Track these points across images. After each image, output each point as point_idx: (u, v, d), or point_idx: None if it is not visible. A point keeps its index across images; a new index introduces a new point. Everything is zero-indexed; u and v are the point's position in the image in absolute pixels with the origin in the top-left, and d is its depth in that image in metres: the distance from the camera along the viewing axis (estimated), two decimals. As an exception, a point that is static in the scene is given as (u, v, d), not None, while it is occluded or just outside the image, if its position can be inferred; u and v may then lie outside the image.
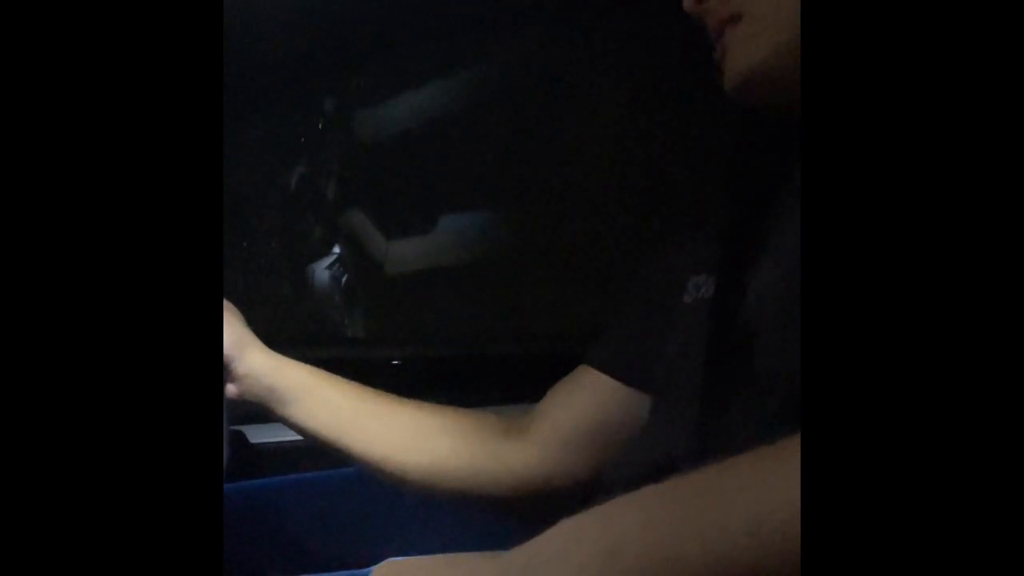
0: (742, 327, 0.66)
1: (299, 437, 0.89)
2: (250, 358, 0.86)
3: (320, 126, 1.17)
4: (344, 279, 1.31)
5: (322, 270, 1.30)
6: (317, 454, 0.90)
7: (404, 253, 1.28)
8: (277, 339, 0.92)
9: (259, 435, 1.08)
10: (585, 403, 0.85)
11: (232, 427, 1.02)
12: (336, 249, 1.31)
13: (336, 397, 0.88)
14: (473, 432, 0.88)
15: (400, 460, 0.87)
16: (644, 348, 0.81)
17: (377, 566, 0.56)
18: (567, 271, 1.27)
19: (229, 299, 0.86)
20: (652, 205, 1.21)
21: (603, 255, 1.26)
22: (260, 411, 0.87)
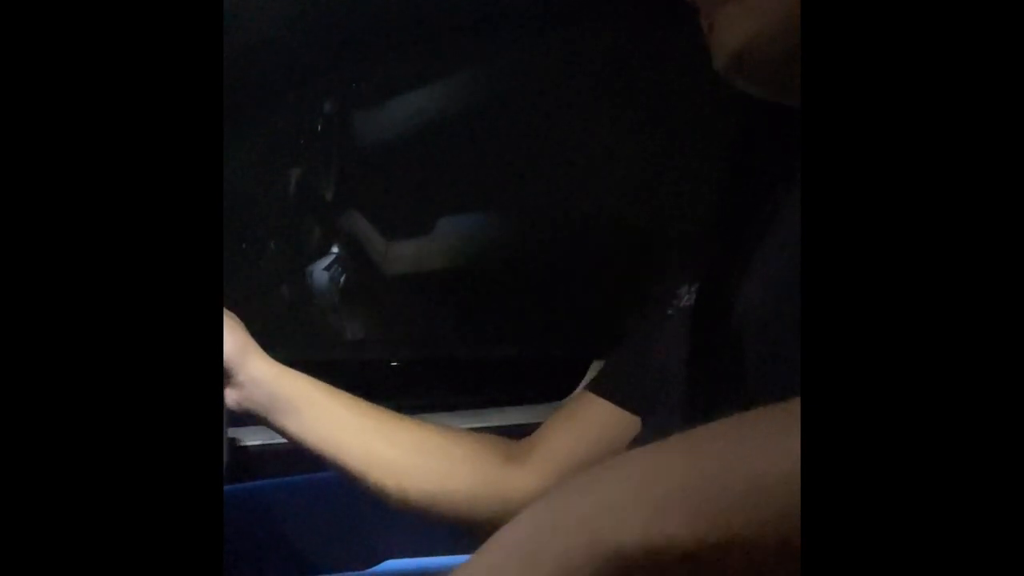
0: (726, 335, 0.67)
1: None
2: (252, 366, 0.86)
3: (319, 127, 1.17)
4: (343, 280, 1.30)
5: (320, 271, 1.30)
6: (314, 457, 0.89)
7: (403, 255, 1.28)
8: (275, 340, 0.92)
9: (254, 437, 1.08)
10: (585, 430, 0.85)
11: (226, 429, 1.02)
12: (335, 250, 1.31)
13: (338, 411, 0.87)
14: (473, 456, 0.87)
15: (398, 479, 0.86)
16: (644, 374, 0.80)
17: None
18: (566, 273, 1.27)
19: (227, 301, 0.86)
20: (651, 207, 1.21)
21: (602, 257, 1.25)
22: (259, 420, 0.87)
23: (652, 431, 0.73)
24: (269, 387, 0.86)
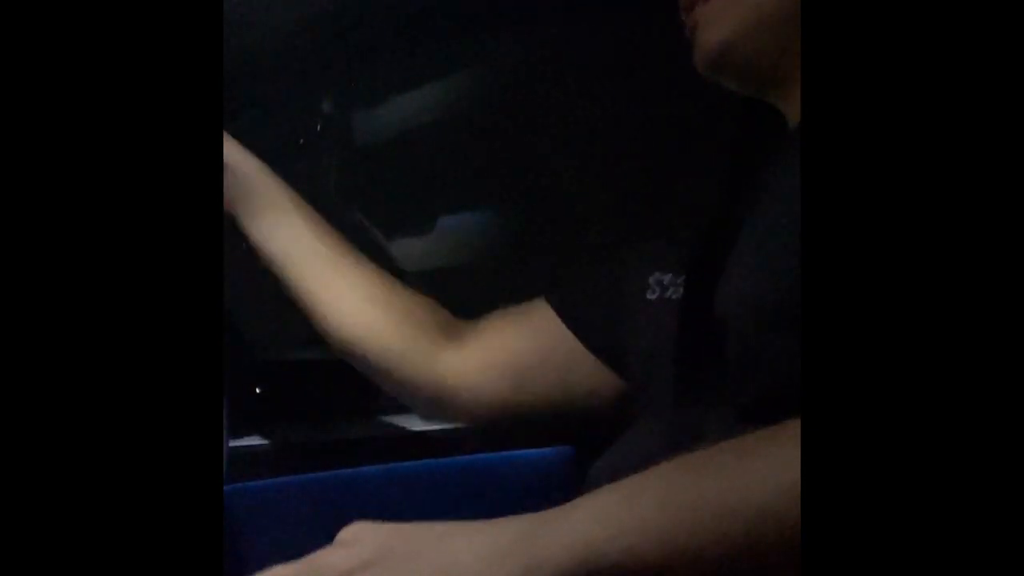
0: (713, 330, 0.67)
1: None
2: (231, 152, 0.84)
3: (319, 127, 1.17)
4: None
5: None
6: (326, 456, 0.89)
7: (403, 254, 1.28)
8: (276, 339, 0.91)
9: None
10: (529, 335, 0.85)
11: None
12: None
13: (302, 228, 0.86)
14: (416, 319, 0.87)
15: (339, 317, 0.86)
16: (602, 314, 0.81)
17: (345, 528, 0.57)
18: (566, 272, 1.27)
19: (227, 299, 0.86)
20: (651, 204, 1.21)
21: (602, 255, 1.25)
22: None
23: (643, 418, 0.73)
24: (248, 182, 0.85)
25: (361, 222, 1.22)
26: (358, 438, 1.05)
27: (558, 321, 0.84)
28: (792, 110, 0.71)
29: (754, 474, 0.47)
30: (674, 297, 0.74)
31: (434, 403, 0.87)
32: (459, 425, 1.04)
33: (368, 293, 0.87)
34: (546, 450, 1.05)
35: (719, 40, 0.69)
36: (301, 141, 1.14)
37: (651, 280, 0.78)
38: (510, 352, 0.86)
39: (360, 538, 0.55)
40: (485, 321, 0.88)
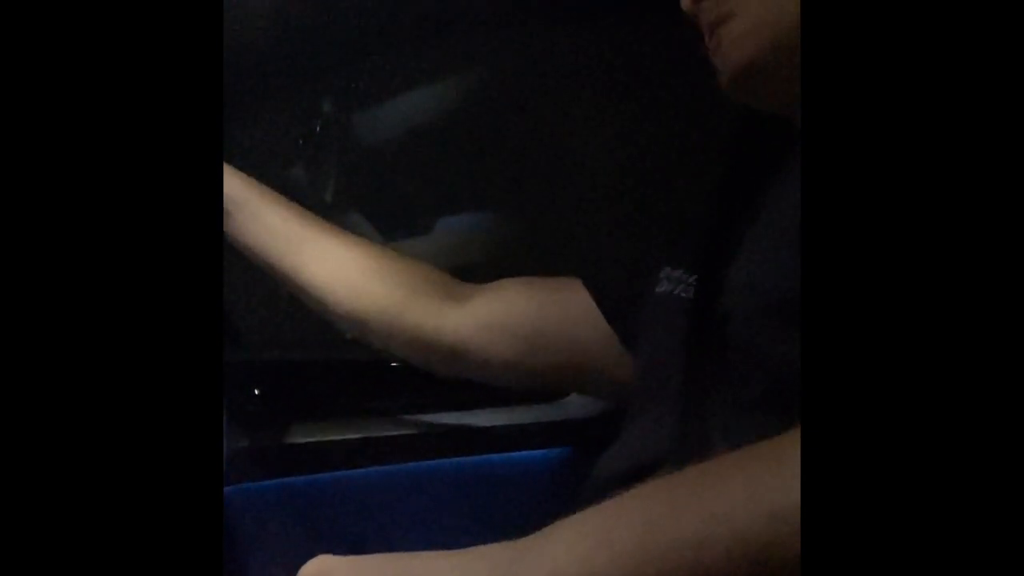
0: (720, 326, 0.67)
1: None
2: None
3: (318, 127, 1.17)
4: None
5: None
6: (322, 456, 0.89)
7: (403, 254, 1.28)
8: (275, 340, 0.91)
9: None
10: (550, 306, 0.85)
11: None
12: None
13: (269, 216, 0.86)
14: (411, 282, 0.87)
15: (329, 295, 0.86)
16: (628, 299, 0.81)
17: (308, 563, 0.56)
18: (566, 272, 1.27)
19: (227, 299, 0.86)
20: (652, 204, 1.21)
21: (603, 255, 1.25)
22: None
23: (647, 413, 0.73)
24: None
25: (361, 222, 1.22)
26: (357, 439, 1.05)
27: (588, 298, 0.84)
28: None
29: (735, 501, 0.46)
30: (684, 295, 0.74)
31: (445, 361, 0.87)
32: (464, 424, 1.04)
33: (358, 265, 0.87)
34: (546, 450, 1.05)
35: (744, 62, 0.68)
36: (301, 141, 1.14)
37: (661, 274, 0.78)
38: (527, 316, 0.85)
39: (324, 574, 0.55)
40: (499, 283, 0.88)
